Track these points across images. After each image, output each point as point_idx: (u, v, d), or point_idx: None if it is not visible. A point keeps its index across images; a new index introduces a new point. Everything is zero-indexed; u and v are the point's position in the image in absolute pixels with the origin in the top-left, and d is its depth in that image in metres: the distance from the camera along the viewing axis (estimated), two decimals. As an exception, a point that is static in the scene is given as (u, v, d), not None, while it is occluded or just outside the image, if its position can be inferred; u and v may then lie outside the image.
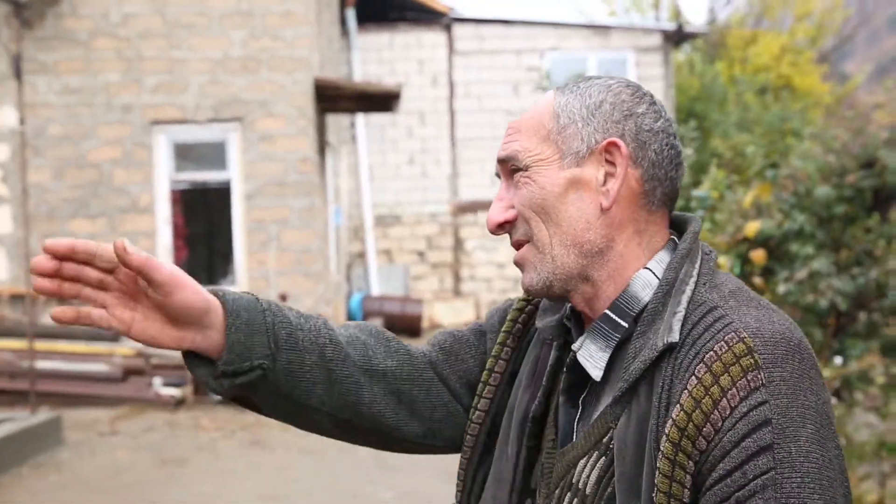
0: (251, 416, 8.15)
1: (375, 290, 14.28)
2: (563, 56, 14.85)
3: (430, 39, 14.94)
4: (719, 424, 0.98)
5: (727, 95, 16.60)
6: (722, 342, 1.00)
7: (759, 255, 5.55)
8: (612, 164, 1.11)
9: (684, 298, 1.06)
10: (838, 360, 5.96)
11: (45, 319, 9.12)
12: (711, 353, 1.00)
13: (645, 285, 1.11)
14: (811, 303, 6.22)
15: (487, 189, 14.78)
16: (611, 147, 1.11)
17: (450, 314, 14.78)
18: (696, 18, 25.33)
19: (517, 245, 1.17)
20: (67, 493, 6.09)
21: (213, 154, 9.54)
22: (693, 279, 1.09)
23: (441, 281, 15.03)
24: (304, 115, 9.41)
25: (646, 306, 1.09)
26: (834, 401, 5.52)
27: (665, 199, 1.14)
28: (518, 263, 1.17)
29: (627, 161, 1.11)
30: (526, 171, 1.13)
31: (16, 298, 9.12)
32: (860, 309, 6.35)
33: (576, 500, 1.10)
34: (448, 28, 14.93)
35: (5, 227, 9.32)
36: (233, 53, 9.36)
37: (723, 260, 5.05)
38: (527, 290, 1.16)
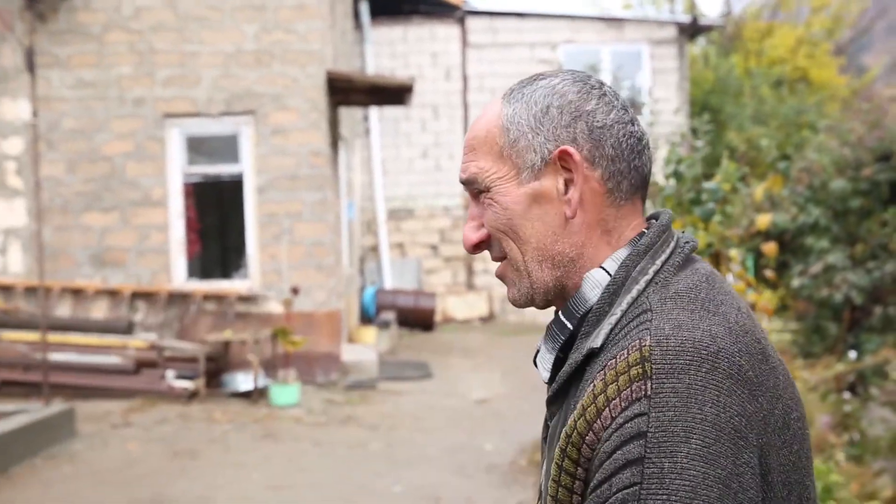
0: (263, 409, 8.17)
1: (388, 283, 14.28)
2: (577, 49, 14.78)
3: (443, 32, 14.90)
4: (601, 434, 0.96)
5: (742, 88, 16.48)
6: (626, 349, 0.97)
7: (770, 248, 5.50)
8: (570, 170, 1.09)
9: (628, 299, 1.03)
10: (853, 354, 5.91)
11: (59, 312, 9.17)
12: (614, 359, 0.98)
13: (594, 285, 1.08)
14: (826, 297, 6.16)
15: (500, 182, 14.73)
16: (563, 155, 1.08)
17: (463, 308, 14.76)
18: (711, 11, 25.15)
19: (497, 260, 1.16)
20: (80, 484, 6.12)
21: (226, 147, 9.55)
22: (646, 277, 1.05)
23: (454, 274, 15.01)
24: (317, 108, 9.40)
25: (592, 307, 1.07)
26: (848, 395, 5.47)
27: (632, 189, 1.10)
28: (500, 277, 1.17)
29: (583, 165, 1.08)
30: (488, 192, 1.12)
31: (30, 291, 9.16)
32: (875, 303, 6.29)
33: (540, 500, 1.13)
34: (461, 21, 14.89)
35: (19, 219, 9.36)
36: (245, 47, 9.36)
37: (735, 253, 5.02)
38: (512, 303, 1.17)
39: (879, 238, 6.51)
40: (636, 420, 0.93)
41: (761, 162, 7.75)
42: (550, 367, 1.12)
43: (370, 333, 11.36)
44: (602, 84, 1.12)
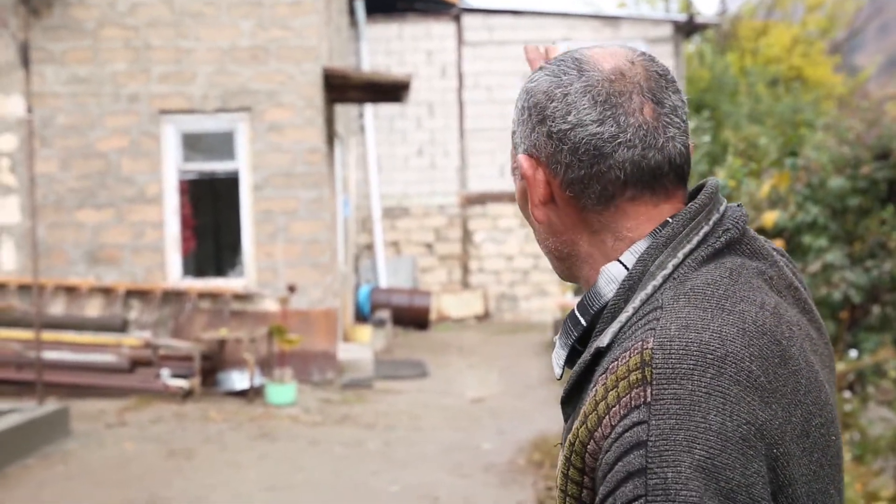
0: (259, 408, 8.12)
1: (383, 282, 14.24)
2: (573, 47, 14.75)
3: (439, 30, 14.86)
4: (601, 444, 0.91)
5: (738, 87, 16.49)
6: (628, 351, 0.92)
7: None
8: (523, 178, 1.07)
9: (642, 296, 0.98)
10: (853, 353, 5.89)
11: (53, 309, 9.11)
12: (616, 362, 0.93)
13: (609, 280, 1.03)
14: (825, 295, 6.15)
15: (496, 181, 14.71)
16: (516, 164, 1.07)
17: (458, 306, 14.73)
18: (706, 9, 25.17)
19: None
20: (74, 483, 6.07)
21: (222, 144, 9.50)
22: (664, 272, 0.98)
23: (449, 273, 14.98)
24: (313, 105, 9.35)
25: (607, 303, 1.02)
26: (848, 394, 5.45)
27: (606, 195, 1.02)
28: None
29: (536, 175, 1.05)
30: (512, 173, 1.13)
31: (23, 288, 9.10)
32: (874, 302, 6.29)
33: (557, 493, 1.09)
34: (457, 19, 14.85)
35: (13, 217, 9.30)
36: (241, 43, 9.31)
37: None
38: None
39: (878, 236, 6.50)
40: (636, 429, 0.88)
41: (758, 160, 7.74)
42: (563, 363, 1.08)
43: (365, 332, 11.32)
44: (570, 84, 1.03)
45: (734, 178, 4.82)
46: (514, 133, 1.10)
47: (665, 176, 1.03)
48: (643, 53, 1.07)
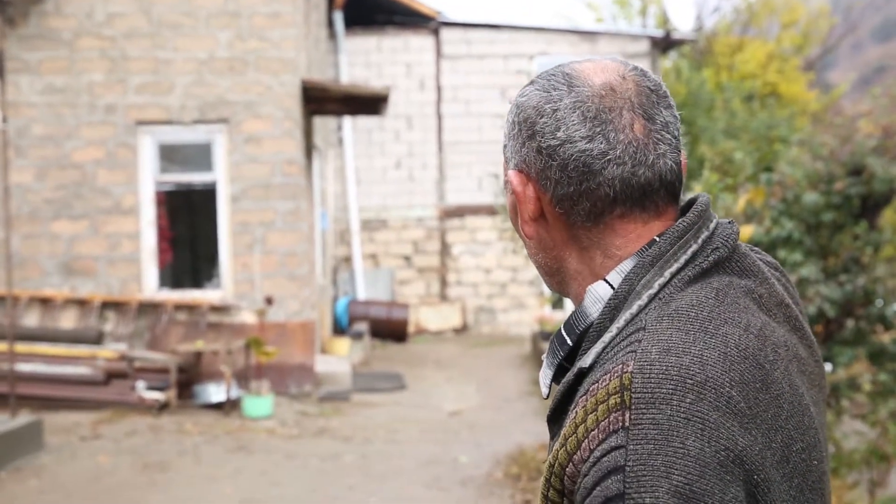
0: (235, 421, 8.07)
1: (361, 294, 14.21)
2: (551, 61, 14.84)
3: (417, 43, 14.90)
4: (580, 467, 0.91)
5: (714, 102, 16.64)
6: (608, 374, 0.92)
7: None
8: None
9: (627, 316, 0.97)
10: (828, 366, 5.96)
11: (27, 321, 9.01)
12: (596, 384, 0.92)
13: (595, 300, 1.02)
14: (799, 309, 6.20)
15: (474, 193, 14.75)
16: (507, 180, 1.07)
17: (436, 319, 14.72)
18: (683, 25, 25.41)
19: None
20: (47, 498, 5.99)
21: (199, 155, 9.45)
22: (650, 292, 0.98)
23: (427, 286, 14.97)
24: (291, 117, 9.34)
25: (592, 323, 1.01)
26: (822, 408, 5.50)
27: (596, 211, 1.01)
28: None
29: (527, 190, 1.04)
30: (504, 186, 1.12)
31: (-4, 300, 9.00)
32: (848, 316, 6.35)
33: None
34: (436, 32, 14.91)
35: (-14, 227, 9.20)
36: (219, 54, 9.29)
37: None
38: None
39: (851, 251, 6.57)
40: (613, 453, 0.87)
41: (733, 175, 7.80)
42: (549, 382, 1.08)
43: (343, 344, 11.28)
44: (560, 99, 1.02)
45: (710, 193, 4.88)
46: (505, 147, 1.09)
47: (656, 193, 1.02)
48: (635, 67, 1.06)
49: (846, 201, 6.33)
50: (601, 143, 1.00)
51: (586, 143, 1.00)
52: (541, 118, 1.03)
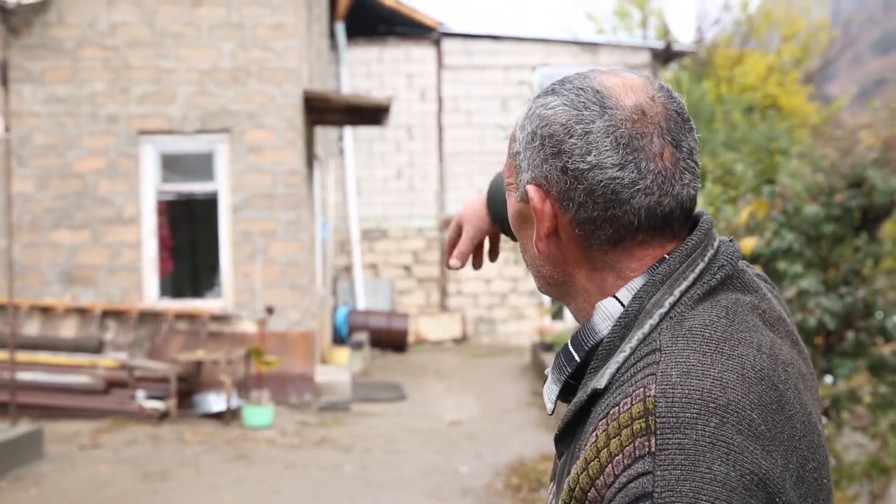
0: (235, 431, 8.06)
1: (361, 304, 14.21)
2: (552, 72, 14.89)
3: (419, 54, 14.95)
4: (603, 492, 0.90)
5: (714, 114, 16.67)
6: (629, 397, 0.91)
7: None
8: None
9: (639, 335, 0.96)
10: (828, 378, 5.96)
11: (27, 330, 9.01)
12: (616, 407, 0.92)
13: (605, 317, 1.01)
14: (799, 321, 6.21)
15: (475, 204, 14.75)
16: (527, 194, 1.03)
17: (436, 329, 14.72)
18: (683, 37, 25.49)
19: None
20: (47, 507, 5.98)
21: (201, 165, 9.48)
22: (661, 310, 0.97)
23: (427, 296, 14.98)
24: (293, 127, 9.37)
25: (602, 340, 1.01)
26: (823, 420, 5.50)
27: (616, 237, 1.00)
28: None
29: (545, 207, 1.02)
30: (507, 188, 1.10)
31: (-3, 308, 9.00)
32: (848, 328, 6.35)
33: None
34: (437, 43, 14.95)
35: (-12, 236, 9.21)
36: (222, 64, 9.32)
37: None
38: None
39: (852, 263, 6.58)
40: (640, 480, 0.86)
41: (734, 186, 7.82)
42: (555, 398, 1.07)
43: (343, 354, 11.28)
44: (593, 121, 0.99)
45: (713, 205, 4.88)
46: (517, 153, 1.06)
47: (675, 220, 1.02)
48: (661, 87, 1.04)
49: (847, 213, 6.35)
50: (632, 172, 0.98)
51: (617, 171, 0.98)
52: (570, 138, 1.00)
